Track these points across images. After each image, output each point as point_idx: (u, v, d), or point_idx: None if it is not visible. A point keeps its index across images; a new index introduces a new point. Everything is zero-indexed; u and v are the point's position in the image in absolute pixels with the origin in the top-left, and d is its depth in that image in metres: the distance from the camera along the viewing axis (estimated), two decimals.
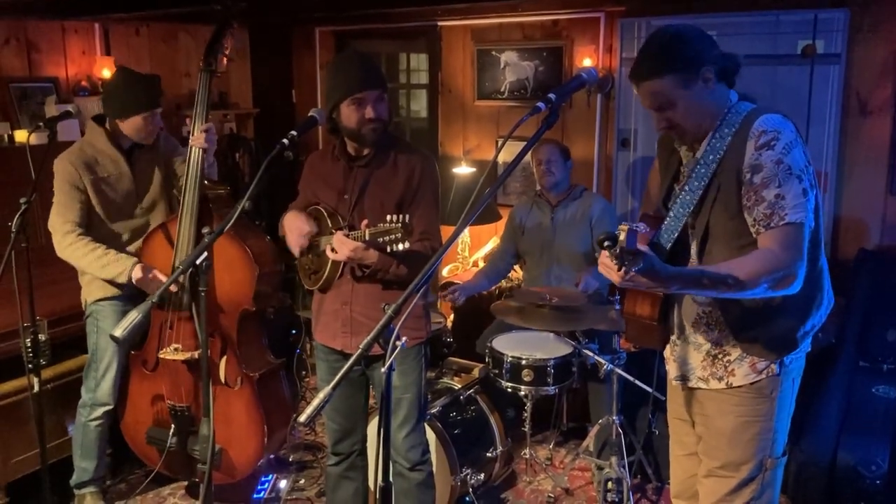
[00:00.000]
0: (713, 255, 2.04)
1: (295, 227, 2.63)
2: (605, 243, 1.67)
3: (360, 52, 2.65)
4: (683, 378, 2.20)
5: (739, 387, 2.07)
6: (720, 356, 2.09)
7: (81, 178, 3.06)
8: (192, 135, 3.08)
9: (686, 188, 2.04)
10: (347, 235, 2.43)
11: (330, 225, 2.60)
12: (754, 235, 1.95)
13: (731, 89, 2.04)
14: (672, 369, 2.24)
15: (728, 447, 2.12)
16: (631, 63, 2.04)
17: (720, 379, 2.09)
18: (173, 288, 3.04)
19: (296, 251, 2.67)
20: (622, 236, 1.65)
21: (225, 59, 3.12)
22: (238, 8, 3.13)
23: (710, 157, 2.00)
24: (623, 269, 1.69)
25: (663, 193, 2.20)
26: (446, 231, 2.50)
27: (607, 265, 1.76)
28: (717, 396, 2.11)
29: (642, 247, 1.74)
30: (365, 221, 2.40)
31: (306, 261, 2.72)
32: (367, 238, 2.37)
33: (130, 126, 3.11)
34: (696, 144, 2.07)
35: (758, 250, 1.92)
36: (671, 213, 2.06)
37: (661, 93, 1.96)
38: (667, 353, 2.30)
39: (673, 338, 2.22)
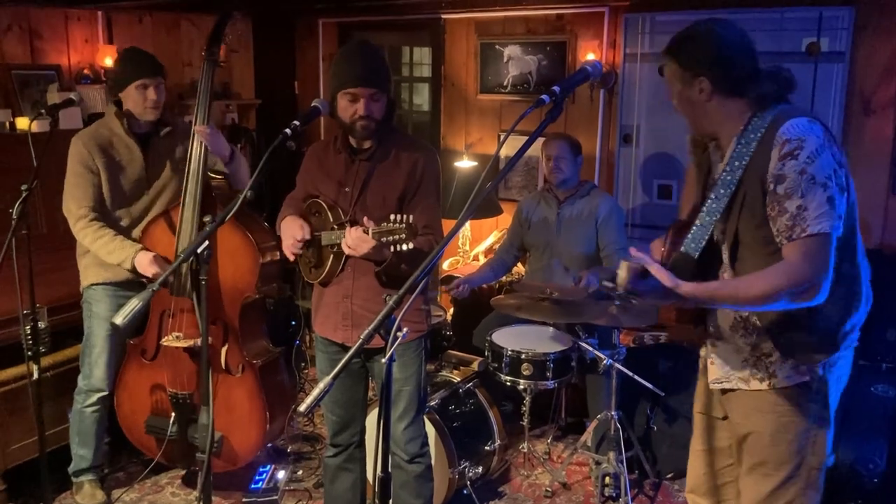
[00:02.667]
0: (745, 261, 2.02)
1: (290, 234, 2.61)
2: (607, 284, 1.75)
3: (369, 46, 2.59)
4: (722, 381, 2.16)
5: (783, 388, 2.03)
6: (762, 357, 2.05)
7: (94, 161, 3.07)
8: (195, 124, 3.09)
9: (713, 195, 2.02)
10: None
11: (331, 219, 2.59)
12: (779, 246, 1.92)
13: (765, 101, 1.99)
14: (711, 371, 2.19)
15: (769, 446, 2.09)
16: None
17: (762, 380, 2.06)
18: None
19: (290, 256, 2.65)
20: (623, 273, 1.75)
21: (226, 49, 3.13)
22: None
23: (736, 163, 1.97)
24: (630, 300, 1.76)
25: (699, 198, 2.17)
26: (447, 224, 2.50)
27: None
28: (759, 395, 2.07)
29: (656, 267, 1.85)
30: (365, 219, 2.37)
31: (308, 255, 2.71)
32: (369, 236, 2.35)
33: (129, 100, 3.11)
34: (720, 149, 2.07)
35: (779, 263, 1.89)
36: (697, 222, 2.03)
37: (665, 70, 2.06)
38: (703, 353, 2.26)
39: (711, 339, 2.19)
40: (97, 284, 3.20)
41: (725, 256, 2.08)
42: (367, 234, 2.34)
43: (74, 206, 3.09)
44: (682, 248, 2.03)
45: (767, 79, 1.99)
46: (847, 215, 1.93)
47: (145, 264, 3.03)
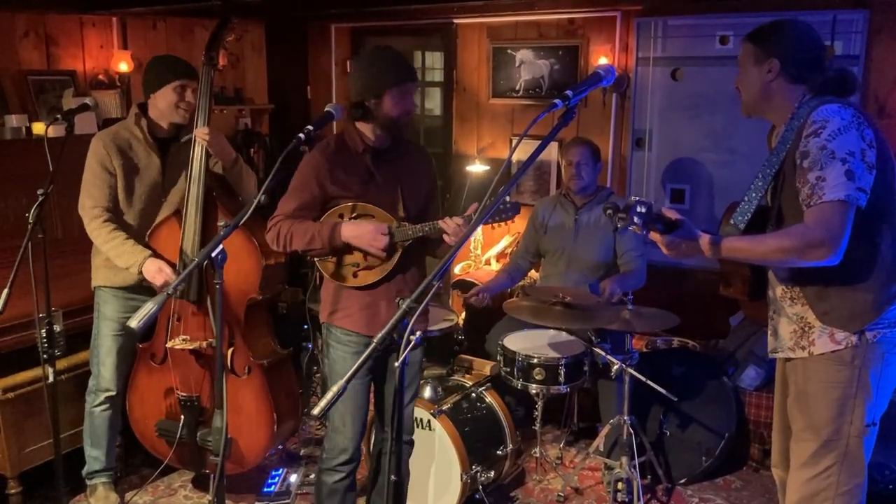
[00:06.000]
0: None
1: (369, 231, 2.58)
2: (608, 210, 1.97)
3: (395, 49, 2.70)
4: (776, 350, 2.37)
5: (821, 355, 2.20)
6: (806, 329, 2.23)
7: (112, 162, 3.09)
8: (195, 128, 3.10)
9: (759, 175, 2.24)
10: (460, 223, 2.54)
11: (389, 217, 2.65)
12: None
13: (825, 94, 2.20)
14: (769, 342, 2.41)
15: (809, 410, 2.24)
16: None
17: (803, 349, 2.24)
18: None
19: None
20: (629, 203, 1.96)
21: (225, 54, 3.15)
22: (237, 3, 3.15)
23: (780, 147, 2.20)
24: (638, 227, 1.95)
25: None
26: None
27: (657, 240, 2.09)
28: (803, 364, 2.26)
29: (672, 214, 2.05)
30: (474, 206, 2.49)
31: (356, 257, 2.68)
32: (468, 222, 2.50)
33: (163, 99, 3.11)
34: (772, 135, 2.34)
35: (797, 224, 2.09)
36: (745, 198, 2.24)
37: (741, 53, 2.30)
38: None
39: (770, 312, 2.40)
40: (105, 287, 3.23)
41: (772, 229, 2.27)
42: (465, 221, 2.49)
43: (90, 204, 3.11)
44: (731, 221, 2.24)
45: (828, 72, 2.22)
46: (885, 193, 2.10)
47: (153, 271, 3.04)
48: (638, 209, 1.94)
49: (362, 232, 2.59)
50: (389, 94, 2.57)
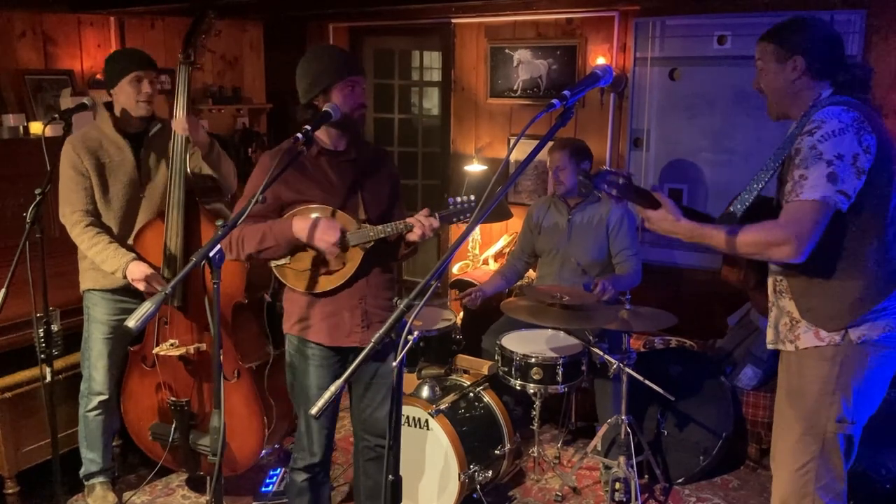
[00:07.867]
0: None
1: (322, 227, 2.44)
2: (580, 176, 2.00)
3: (338, 46, 2.67)
4: (775, 343, 2.38)
5: (804, 349, 2.24)
6: (793, 323, 2.27)
7: (84, 163, 3.04)
8: (175, 117, 3.06)
9: (763, 167, 2.25)
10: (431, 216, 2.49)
11: (350, 219, 2.56)
12: None
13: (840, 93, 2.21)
14: (767, 335, 2.43)
15: (789, 403, 2.29)
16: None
17: (791, 342, 2.28)
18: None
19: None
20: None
21: (203, 50, 3.12)
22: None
23: (788, 141, 2.21)
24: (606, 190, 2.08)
25: None
26: (457, 229, 2.52)
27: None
28: (789, 357, 2.31)
29: (664, 198, 2.13)
30: (425, 211, 2.47)
31: (315, 262, 2.59)
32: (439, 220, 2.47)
33: (122, 93, 3.06)
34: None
35: (768, 220, 2.11)
36: (746, 187, 2.25)
37: (759, 54, 2.28)
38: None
39: (770, 304, 2.42)
40: (94, 290, 3.21)
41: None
42: (436, 217, 2.44)
43: (69, 210, 3.07)
44: (730, 208, 2.24)
45: (852, 68, 2.23)
46: (878, 199, 2.12)
47: (136, 275, 3.00)
48: (609, 178, 2.01)
49: (312, 224, 2.45)
50: (336, 89, 2.51)
